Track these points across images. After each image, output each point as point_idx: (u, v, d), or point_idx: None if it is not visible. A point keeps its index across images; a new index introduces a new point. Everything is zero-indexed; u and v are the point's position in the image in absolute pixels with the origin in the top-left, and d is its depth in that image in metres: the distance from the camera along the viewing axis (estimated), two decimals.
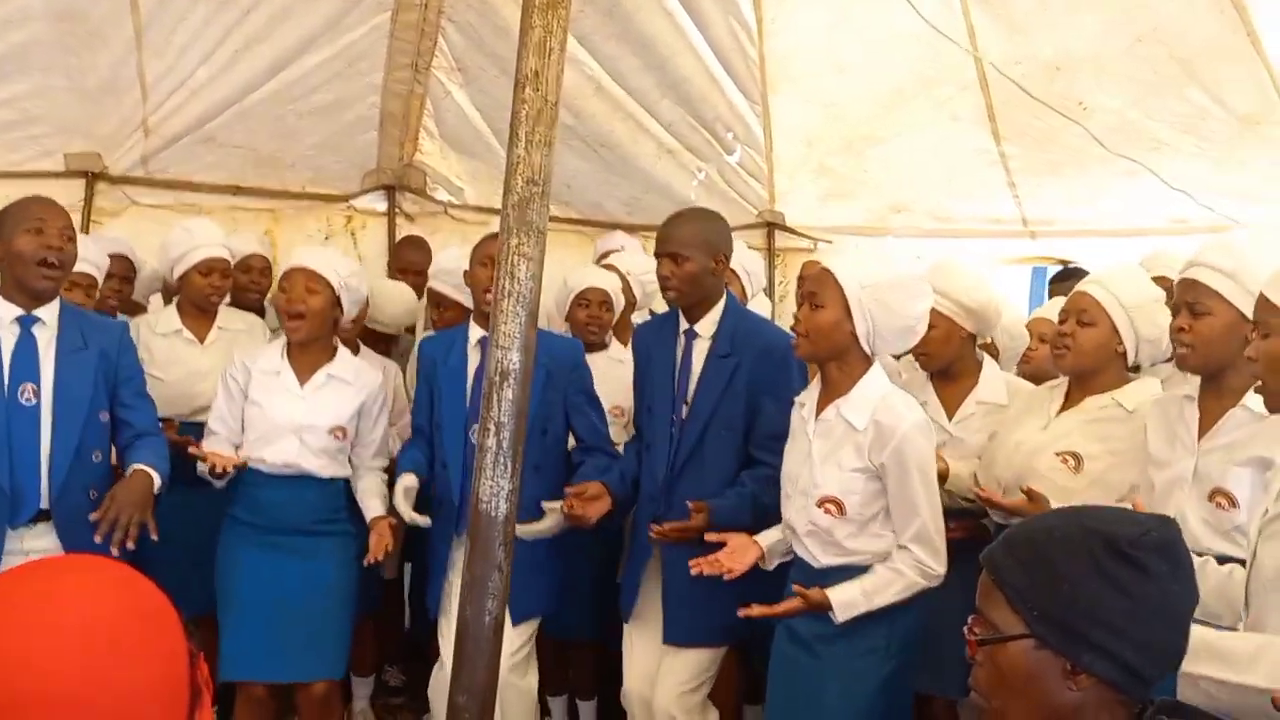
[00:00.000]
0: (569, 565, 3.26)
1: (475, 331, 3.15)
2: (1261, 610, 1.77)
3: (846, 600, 2.37)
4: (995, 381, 2.99)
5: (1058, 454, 2.59)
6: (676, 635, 2.91)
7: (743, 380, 2.86)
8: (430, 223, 5.16)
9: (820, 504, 2.41)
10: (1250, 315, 1.99)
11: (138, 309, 4.07)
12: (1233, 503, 2.18)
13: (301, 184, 4.94)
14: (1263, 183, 4.25)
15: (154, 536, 2.66)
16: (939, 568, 2.35)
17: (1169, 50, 3.95)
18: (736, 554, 2.52)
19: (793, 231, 5.49)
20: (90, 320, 2.90)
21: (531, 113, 2.23)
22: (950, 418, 2.98)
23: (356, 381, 3.13)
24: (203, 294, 3.58)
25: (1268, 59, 3.82)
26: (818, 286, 2.42)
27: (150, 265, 3.99)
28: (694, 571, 2.48)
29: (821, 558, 2.43)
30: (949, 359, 2.97)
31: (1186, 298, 2.25)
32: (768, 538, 2.59)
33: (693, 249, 2.85)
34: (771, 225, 5.48)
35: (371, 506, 3.11)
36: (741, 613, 2.43)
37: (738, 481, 2.85)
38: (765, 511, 2.75)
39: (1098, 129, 4.23)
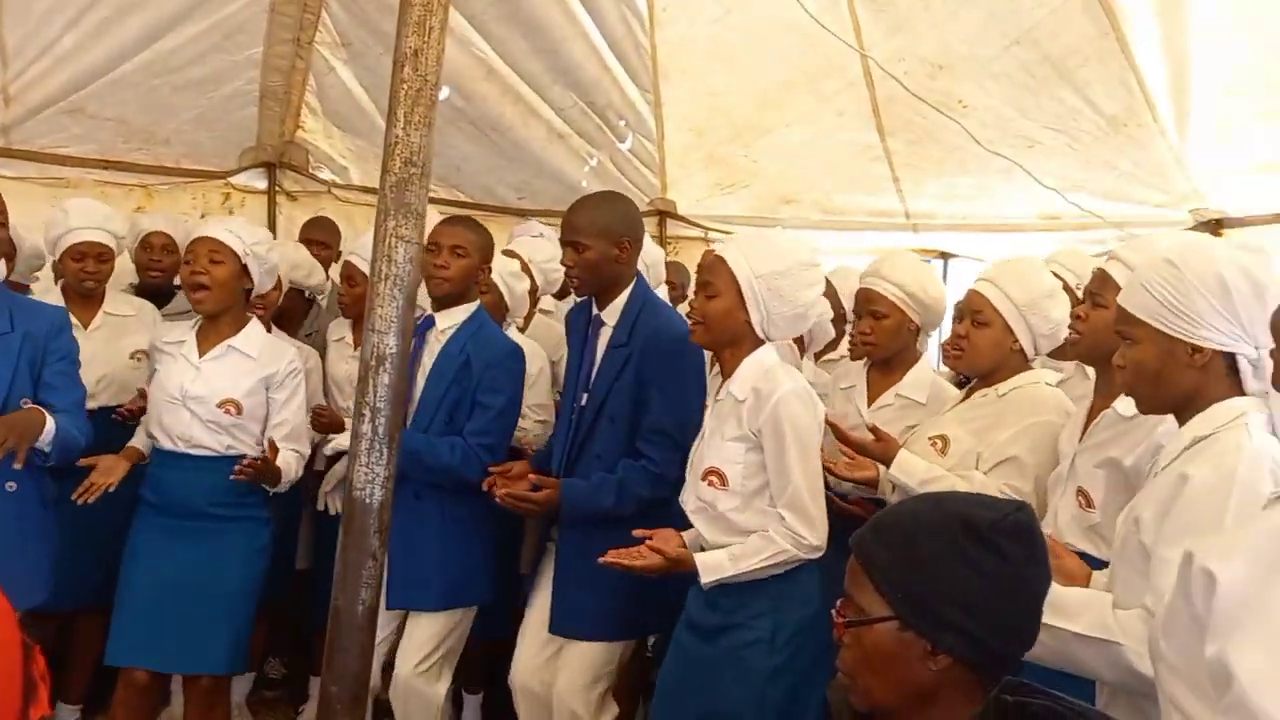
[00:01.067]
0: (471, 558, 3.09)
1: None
2: (1112, 584, 1.84)
3: (712, 563, 2.33)
4: (921, 378, 2.97)
5: (929, 438, 2.67)
6: (559, 626, 2.88)
7: (633, 371, 2.81)
8: (313, 202, 5.04)
9: (704, 477, 2.41)
10: None
11: (19, 290, 3.82)
12: (1089, 503, 2.24)
13: (176, 159, 4.77)
14: (1127, 183, 4.44)
15: (17, 465, 2.53)
16: (812, 538, 2.29)
17: (1043, 52, 4.10)
18: (657, 542, 2.46)
19: (684, 220, 5.52)
20: (22, 304, 2.79)
21: (410, 92, 2.18)
22: (869, 405, 2.98)
23: (260, 357, 3.01)
24: (76, 279, 3.40)
25: (1135, 62, 3.99)
26: (711, 275, 2.41)
27: (30, 241, 3.74)
28: (601, 561, 2.40)
29: (710, 536, 2.42)
30: (895, 350, 2.95)
31: (1093, 287, 2.30)
32: (691, 534, 2.54)
33: (592, 237, 2.79)
34: (663, 214, 5.50)
35: None
36: (601, 560, 2.38)
37: (614, 469, 2.81)
38: (638, 502, 2.75)
39: (975, 127, 4.36)
